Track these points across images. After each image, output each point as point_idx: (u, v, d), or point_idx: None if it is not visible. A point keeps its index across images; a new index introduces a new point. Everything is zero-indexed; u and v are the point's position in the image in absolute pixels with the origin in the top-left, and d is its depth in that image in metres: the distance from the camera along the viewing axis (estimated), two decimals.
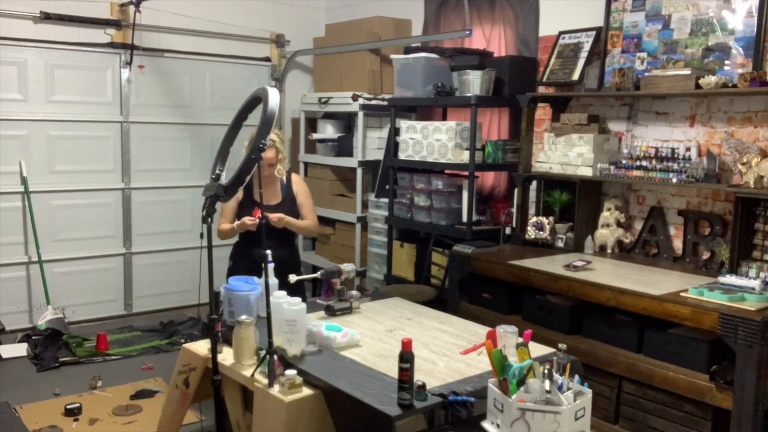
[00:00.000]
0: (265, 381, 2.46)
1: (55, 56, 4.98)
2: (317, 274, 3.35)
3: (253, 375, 2.54)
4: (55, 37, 4.95)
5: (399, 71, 4.81)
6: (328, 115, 5.71)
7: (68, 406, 3.66)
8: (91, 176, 5.23)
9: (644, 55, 3.80)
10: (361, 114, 5.20)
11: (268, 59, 6.00)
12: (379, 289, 4.42)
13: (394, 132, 4.87)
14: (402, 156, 4.68)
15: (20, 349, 4.59)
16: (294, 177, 3.86)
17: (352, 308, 3.23)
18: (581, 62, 4.03)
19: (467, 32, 4.66)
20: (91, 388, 4.03)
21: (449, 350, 2.74)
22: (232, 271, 3.66)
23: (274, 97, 2.47)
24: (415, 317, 3.21)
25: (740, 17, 3.42)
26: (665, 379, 2.93)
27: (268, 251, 2.91)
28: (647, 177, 3.57)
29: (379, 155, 5.21)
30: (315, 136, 5.66)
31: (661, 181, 3.51)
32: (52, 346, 4.61)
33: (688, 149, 3.58)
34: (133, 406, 3.79)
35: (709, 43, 3.53)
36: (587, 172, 3.82)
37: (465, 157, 4.22)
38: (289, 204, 3.75)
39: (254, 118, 2.59)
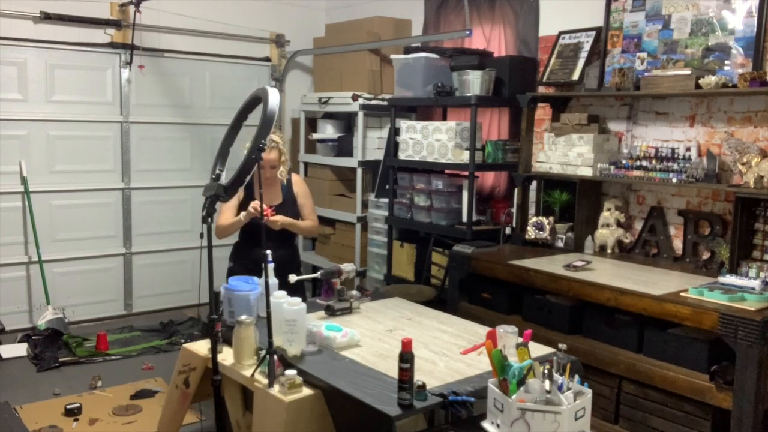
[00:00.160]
0: (265, 381, 2.46)
1: (55, 56, 4.98)
2: (317, 274, 3.35)
3: (253, 375, 2.54)
4: (55, 37, 4.95)
5: (399, 71, 4.81)
6: (328, 115, 5.71)
7: (68, 406, 3.66)
8: (91, 176, 5.23)
9: (644, 55, 3.80)
10: (361, 114, 5.20)
11: (268, 59, 6.00)
12: (379, 289, 4.42)
13: (394, 132, 4.87)
14: (402, 156, 4.68)
15: (20, 349, 4.59)
16: (294, 177, 3.85)
17: (352, 308, 3.23)
18: (581, 62, 4.03)
19: (467, 32, 4.66)
20: (91, 388, 4.03)
21: (449, 350, 2.74)
22: (232, 271, 3.66)
23: (274, 97, 2.47)
24: (415, 317, 3.21)
25: (740, 17, 3.42)
26: (665, 379, 2.93)
27: (268, 251, 2.91)
28: (647, 177, 3.57)
29: (379, 155, 5.21)
30: (315, 136, 5.67)
31: (661, 181, 3.51)
32: (52, 346, 4.61)
33: (688, 149, 3.58)
34: (133, 406, 3.79)
35: (709, 43, 3.53)
36: (587, 172, 3.82)
37: (465, 157, 4.22)
38: (290, 204, 3.75)
39: (254, 118, 2.58)
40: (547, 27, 4.36)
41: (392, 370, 2.34)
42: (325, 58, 5.76)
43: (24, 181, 4.88)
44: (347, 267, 3.37)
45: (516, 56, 4.45)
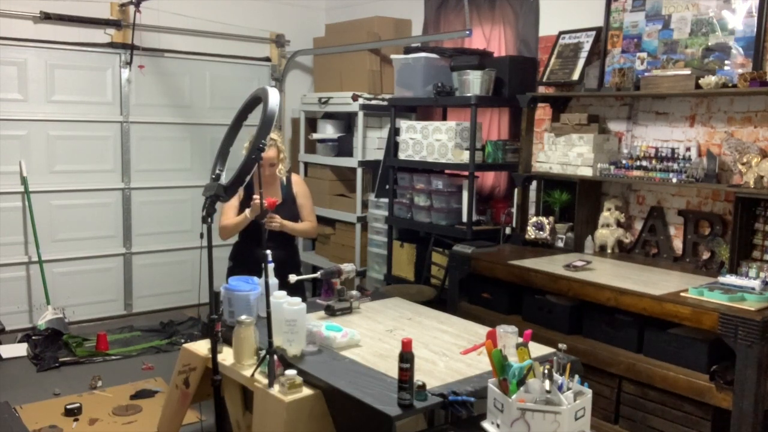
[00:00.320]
0: (265, 381, 2.46)
1: (55, 56, 4.98)
2: (317, 274, 3.35)
3: (253, 375, 2.54)
4: (55, 37, 4.95)
5: (399, 71, 4.81)
6: (328, 115, 5.70)
7: (68, 406, 3.66)
8: (91, 176, 5.23)
9: (644, 55, 3.80)
10: (361, 114, 5.20)
11: (268, 59, 6.00)
12: (379, 289, 4.42)
13: (394, 132, 4.87)
14: (402, 156, 4.68)
15: (20, 349, 4.59)
16: (294, 177, 3.86)
17: (352, 308, 3.23)
18: (581, 62, 4.03)
19: (467, 32, 4.66)
20: (91, 388, 4.03)
21: (449, 350, 2.74)
22: (232, 271, 3.66)
23: (274, 97, 2.47)
24: (415, 317, 3.21)
25: (740, 17, 3.42)
26: (665, 379, 2.93)
27: (268, 251, 2.91)
28: (647, 177, 3.57)
29: (379, 155, 5.21)
30: (315, 136, 5.67)
31: (661, 181, 3.51)
32: (52, 346, 4.61)
33: (688, 149, 3.58)
34: (133, 406, 3.79)
35: (709, 43, 3.53)
36: (587, 172, 3.82)
37: (465, 157, 4.22)
38: (289, 204, 3.75)
39: (254, 118, 2.58)
40: (547, 27, 4.36)
41: (392, 370, 2.34)
42: (325, 58, 5.76)
43: (24, 181, 4.88)
44: (347, 267, 3.37)
45: (516, 56, 4.45)
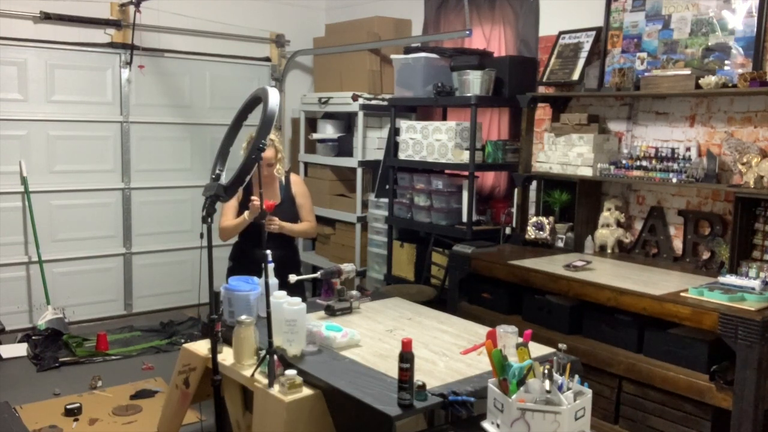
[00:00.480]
0: (265, 381, 2.46)
1: (55, 56, 4.98)
2: (317, 274, 3.35)
3: (253, 375, 2.54)
4: (55, 37, 4.95)
5: (399, 71, 4.81)
6: (328, 115, 5.70)
7: (68, 406, 3.66)
8: (91, 176, 5.23)
9: (644, 55, 3.80)
10: (361, 114, 5.20)
11: (268, 59, 6.00)
12: (379, 289, 4.42)
13: (394, 132, 4.87)
14: (402, 156, 4.68)
15: (20, 349, 4.59)
16: (293, 178, 3.86)
17: (352, 308, 3.23)
18: (581, 62, 4.03)
19: (467, 32, 4.66)
20: (91, 388, 4.03)
21: (449, 350, 2.74)
22: (232, 271, 3.66)
23: (274, 97, 2.47)
24: (415, 317, 3.21)
25: (740, 17, 3.42)
26: (665, 379, 2.93)
27: (268, 251, 2.91)
28: (647, 177, 3.57)
29: (379, 155, 5.21)
30: (315, 136, 5.66)
31: (661, 181, 3.51)
32: (52, 346, 4.61)
33: (688, 149, 3.58)
34: (133, 406, 3.79)
35: (709, 43, 3.53)
36: (587, 172, 3.82)
37: (465, 157, 4.22)
38: (289, 204, 3.75)
39: (254, 118, 2.58)
40: (547, 27, 4.36)
41: (392, 370, 2.34)
42: (325, 58, 5.76)
43: (24, 181, 4.88)
44: (347, 267, 3.37)
45: (516, 56, 4.45)
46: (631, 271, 3.45)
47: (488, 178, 4.84)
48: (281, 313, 2.59)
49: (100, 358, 4.51)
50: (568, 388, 2.02)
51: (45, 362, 4.37)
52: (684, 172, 3.42)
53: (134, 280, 5.48)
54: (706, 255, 3.54)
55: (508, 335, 2.52)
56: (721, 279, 3.01)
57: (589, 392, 2.04)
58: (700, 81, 3.34)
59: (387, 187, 4.90)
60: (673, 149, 3.60)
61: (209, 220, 2.42)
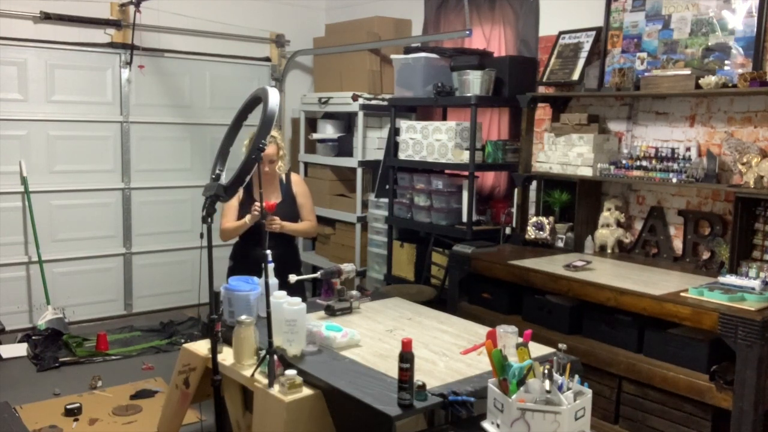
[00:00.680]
0: (265, 381, 2.46)
1: (55, 56, 4.98)
2: (317, 274, 3.35)
3: (253, 375, 2.54)
4: (55, 37, 4.95)
5: (399, 71, 4.81)
6: (328, 115, 5.70)
7: (68, 406, 3.66)
8: (91, 176, 5.23)
9: (644, 55, 3.80)
10: (361, 114, 5.20)
11: (268, 59, 6.00)
12: (379, 289, 4.42)
13: (394, 132, 4.87)
14: (402, 156, 4.68)
15: (20, 349, 4.59)
16: (294, 177, 3.86)
17: (352, 308, 3.23)
18: (581, 62, 4.03)
19: (467, 32, 4.66)
20: (91, 388, 4.03)
21: (449, 350, 2.74)
22: (232, 271, 3.66)
23: (274, 97, 2.46)
24: (415, 317, 3.21)
25: (740, 17, 3.42)
26: (665, 379, 2.93)
27: (268, 251, 2.91)
28: (647, 177, 3.57)
29: (379, 155, 5.21)
30: (315, 136, 5.67)
31: (661, 181, 3.51)
32: (52, 346, 4.61)
33: (688, 149, 3.58)
34: (133, 406, 3.79)
35: (709, 43, 3.53)
36: (587, 172, 3.82)
37: (465, 157, 4.22)
38: (289, 204, 3.75)
39: (254, 118, 2.58)
40: (547, 27, 4.36)
41: (392, 370, 2.34)
42: (325, 58, 5.76)
43: (24, 181, 4.88)
44: (347, 267, 3.37)
45: (516, 56, 4.45)
46: (631, 271, 3.45)
47: (488, 178, 4.84)
48: (281, 313, 2.59)
49: (100, 358, 4.51)
50: (568, 388, 2.02)
51: (45, 362, 4.37)
52: (684, 172, 3.42)
53: (134, 280, 5.48)
54: (706, 255, 3.54)
55: (508, 335, 2.52)
56: (721, 279, 3.01)
57: (589, 392, 2.04)
58: (700, 81, 3.34)
59: (387, 187, 4.90)
60: (673, 149, 3.60)
61: (209, 220, 2.42)
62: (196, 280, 5.54)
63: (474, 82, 4.24)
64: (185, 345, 3.00)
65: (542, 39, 4.39)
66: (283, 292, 2.75)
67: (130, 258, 5.45)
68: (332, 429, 2.42)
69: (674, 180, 3.46)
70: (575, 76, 4.03)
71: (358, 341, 2.77)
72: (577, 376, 2.07)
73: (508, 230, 4.28)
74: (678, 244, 3.71)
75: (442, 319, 3.21)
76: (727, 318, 2.69)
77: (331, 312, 3.14)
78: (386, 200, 4.91)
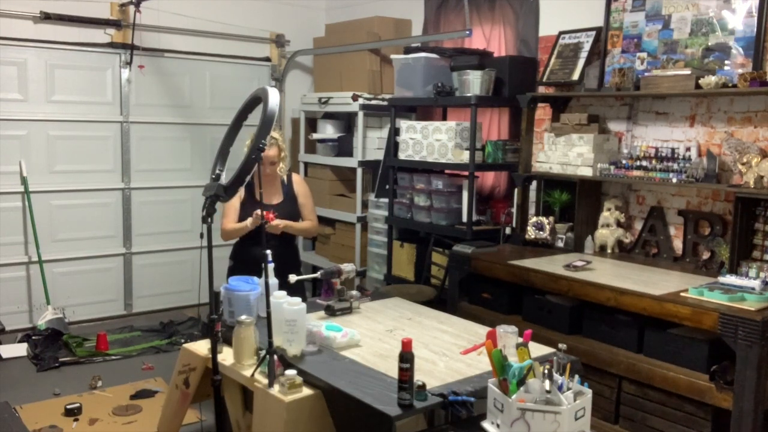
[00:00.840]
0: (265, 381, 2.46)
1: (55, 56, 4.98)
2: (317, 274, 3.35)
3: (253, 375, 2.54)
4: (55, 37, 4.95)
5: (399, 71, 4.81)
6: (328, 115, 5.70)
7: (68, 406, 3.66)
8: (91, 176, 5.23)
9: (644, 55, 3.80)
10: (361, 114, 5.20)
11: (268, 59, 6.00)
12: (379, 289, 4.42)
13: (394, 132, 4.87)
14: (402, 156, 4.68)
15: (20, 349, 4.59)
16: (295, 177, 3.86)
17: (352, 308, 3.23)
18: (581, 62, 4.03)
19: (467, 32, 4.66)
20: (91, 388, 4.03)
21: (449, 350, 2.74)
22: (232, 271, 3.66)
23: (274, 97, 2.47)
24: (415, 317, 3.21)
25: (740, 17, 3.42)
26: (665, 379, 2.93)
27: (268, 251, 2.91)
28: (647, 177, 3.57)
29: (379, 155, 5.21)
30: (315, 136, 5.67)
31: (661, 181, 3.51)
32: (52, 346, 4.61)
33: (688, 149, 3.58)
34: (133, 406, 3.79)
35: (709, 43, 3.53)
36: (587, 172, 3.82)
37: (465, 157, 4.22)
38: (290, 203, 3.75)
39: (254, 118, 2.58)
40: (547, 27, 4.36)
41: (392, 370, 2.34)
42: (325, 58, 5.76)
43: (24, 181, 4.88)
44: (347, 267, 3.37)
45: (516, 56, 4.45)
46: (631, 271, 3.45)
47: (488, 178, 4.84)
48: (281, 313, 2.59)
49: (100, 358, 4.51)
50: (568, 388, 2.02)
51: (45, 362, 4.37)
52: (684, 172, 3.42)
53: (134, 280, 5.48)
54: (706, 255, 3.54)
55: (508, 335, 2.52)
56: (721, 279, 3.01)
57: (589, 392, 2.04)
58: (700, 81, 3.34)
59: (387, 187, 4.90)
60: (673, 149, 3.60)
61: (209, 220, 2.42)
62: (196, 280, 5.54)
63: (474, 82, 4.24)
64: (185, 345, 3.00)
65: (542, 39, 4.39)
66: (283, 292, 2.75)
67: (130, 258, 5.45)
68: (332, 429, 2.42)
69: (674, 180, 3.46)
70: (575, 76, 4.03)
71: (358, 341, 2.77)
72: (577, 376, 2.07)
73: (508, 230, 4.28)
74: (678, 244, 3.71)
75: (442, 319, 3.21)
76: (727, 318, 2.69)
77: (331, 312, 3.14)
78: (386, 200, 4.91)
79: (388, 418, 2.12)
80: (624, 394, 3.13)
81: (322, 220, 5.18)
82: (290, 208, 3.74)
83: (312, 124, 5.87)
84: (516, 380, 2.02)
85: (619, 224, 3.87)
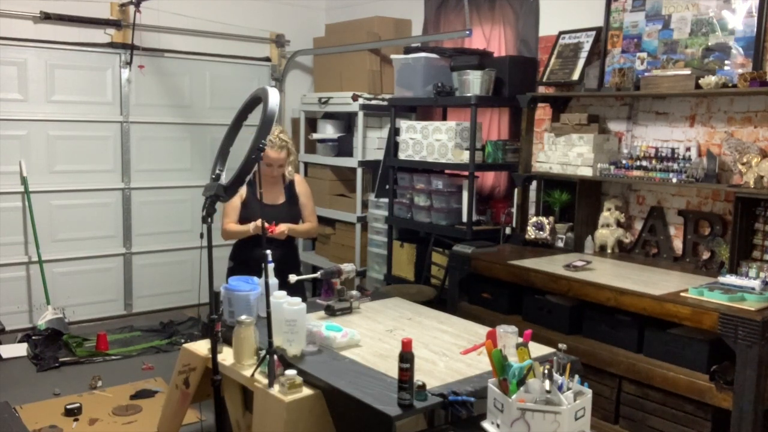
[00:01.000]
0: (265, 381, 2.46)
1: (55, 56, 4.98)
2: (317, 274, 3.35)
3: (253, 375, 2.54)
4: (55, 37, 4.95)
5: (399, 71, 4.81)
6: (328, 115, 5.71)
7: (68, 406, 3.66)
8: (91, 176, 5.23)
9: (644, 55, 3.80)
10: (361, 114, 5.20)
11: (268, 59, 6.00)
12: (379, 289, 4.42)
13: (394, 132, 4.87)
14: (402, 156, 4.68)
15: (20, 349, 4.59)
16: (297, 178, 3.85)
17: (352, 308, 3.23)
18: (581, 62, 4.03)
19: (467, 32, 4.66)
20: (91, 388, 4.03)
21: (449, 350, 2.74)
22: (232, 272, 3.66)
23: (274, 97, 2.46)
24: (415, 317, 3.21)
25: (740, 17, 3.42)
26: (665, 379, 2.93)
27: (268, 251, 2.91)
28: (647, 177, 3.57)
29: (379, 155, 5.21)
30: (315, 136, 5.67)
31: (661, 181, 3.51)
32: (52, 346, 4.61)
33: (688, 149, 3.58)
34: (133, 406, 3.79)
35: (709, 43, 3.53)
36: (587, 172, 3.82)
37: (465, 157, 4.22)
38: (292, 204, 3.75)
39: (254, 118, 2.58)
40: (547, 27, 4.36)
41: (392, 370, 2.34)
42: (325, 58, 5.76)
43: (24, 181, 4.88)
44: (347, 267, 3.37)
45: (516, 56, 4.45)
46: (631, 271, 3.45)
47: (488, 178, 4.84)
48: (281, 313, 2.59)
49: (100, 358, 4.51)
50: (568, 388, 2.02)
51: (45, 362, 4.37)
52: (684, 172, 3.42)
53: (134, 280, 5.48)
54: (706, 255, 3.54)
55: (508, 335, 2.52)
56: (721, 279, 3.01)
57: (589, 392, 2.04)
58: (700, 81, 3.34)
59: (387, 187, 4.90)
60: (673, 149, 3.60)
61: (209, 220, 2.42)
62: (196, 280, 5.54)
63: (474, 82, 4.24)
64: (185, 345, 3.00)
65: (542, 39, 4.39)
66: (283, 292, 2.75)
67: (130, 258, 5.45)
68: (332, 429, 2.42)
69: (674, 180, 3.46)
70: (575, 76, 4.03)
71: (358, 341, 2.77)
72: (577, 376, 2.07)
73: (508, 230, 4.28)
74: (678, 244, 3.71)
75: (442, 319, 3.21)
76: (727, 318, 2.69)
77: (331, 312, 3.14)
78: (386, 200, 4.91)
79: (388, 418, 2.12)
80: (624, 394, 3.13)
81: (322, 220, 5.18)
82: (292, 208, 3.74)
83: (312, 124, 5.87)
84: (516, 380, 2.02)
85: (619, 224, 3.88)
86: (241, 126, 2.69)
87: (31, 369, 4.34)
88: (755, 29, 3.35)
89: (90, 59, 5.12)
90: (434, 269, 4.57)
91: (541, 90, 4.33)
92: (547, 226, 3.94)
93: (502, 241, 4.20)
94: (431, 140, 4.45)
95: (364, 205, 5.31)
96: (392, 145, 4.87)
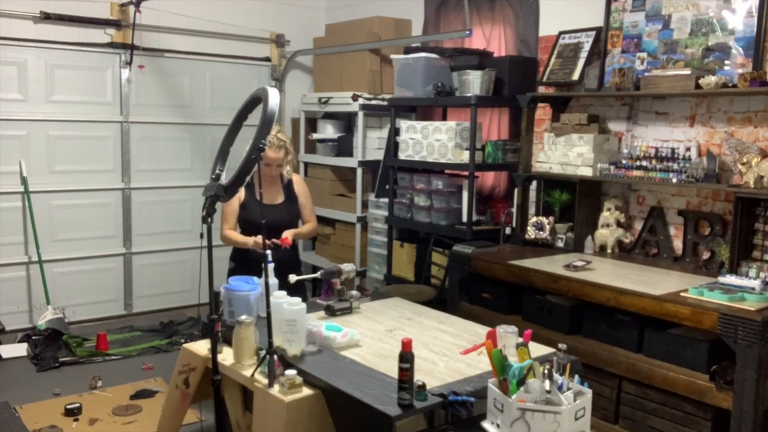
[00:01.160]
0: (265, 381, 2.46)
1: (55, 56, 4.98)
2: (317, 274, 3.35)
3: (253, 375, 2.54)
4: (55, 37, 4.95)
5: (399, 71, 4.81)
6: (328, 115, 5.71)
7: (68, 406, 3.66)
8: (91, 176, 5.23)
9: (644, 55, 3.80)
10: (361, 114, 5.20)
11: (268, 59, 6.00)
12: (379, 289, 4.42)
13: (394, 132, 4.87)
14: (402, 156, 4.68)
15: (20, 349, 4.59)
16: (295, 177, 3.85)
17: (352, 308, 3.23)
18: (581, 62, 4.03)
19: (467, 32, 4.66)
20: (91, 388, 4.03)
21: (449, 350, 2.74)
22: (232, 272, 3.66)
23: (274, 97, 2.46)
24: (415, 317, 3.21)
25: (740, 17, 3.42)
26: (665, 379, 2.93)
27: (268, 251, 2.91)
28: (647, 177, 3.57)
29: (379, 155, 5.21)
30: (315, 136, 5.67)
31: (661, 181, 3.51)
32: (52, 346, 4.61)
33: (688, 149, 3.58)
34: (133, 406, 3.79)
35: (709, 43, 3.53)
36: (587, 172, 3.82)
37: (465, 157, 4.22)
38: (291, 204, 3.75)
39: (254, 118, 2.58)
40: (547, 27, 4.36)
41: (392, 370, 2.34)
42: (325, 58, 5.76)
43: (24, 181, 4.88)
44: (347, 267, 3.37)
45: (516, 56, 4.45)
46: (631, 271, 3.45)
47: (488, 178, 4.84)
48: (281, 313, 2.59)
49: (100, 358, 4.51)
50: (568, 388, 2.02)
51: (45, 362, 4.37)
52: (684, 172, 3.42)
53: (134, 280, 5.48)
54: (706, 255, 3.54)
55: (508, 335, 2.52)
56: (721, 279, 3.01)
57: (589, 392, 2.04)
58: (700, 81, 3.34)
59: (387, 187, 4.91)
60: (673, 149, 3.60)
61: (209, 220, 2.42)
62: (196, 280, 5.54)
63: (474, 82, 4.24)
64: (185, 345, 3.00)
65: (542, 39, 4.39)
66: (283, 292, 2.75)
67: (130, 258, 5.45)
68: (332, 429, 2.42)
69: (674, 180, 3.46)
70: (575, 76, 4.03)
71: (358, 341, 2.77)
72: (577, 376, 2.07)
73: (508, 230, 4.28)
74: (678, 244, 3.71)
75: (442, 319, 3.21)
76: (727, 318, 2.69)
77: (331, 312, 3.14)
78: (386, 200, 4.91)
79: (388, 418, 2.12)
80: (624, 394, 3.13)
81: (322, 220, 5.19)
82: (291, 208, 3.74)
83: (312, 124, 5.87)
84: (516, 380, 2.02)
85: (619, 224, 3.87)
86: (241, 126, 2.69)
87: (31, 369, 4.34)
88: (755, 29, 3.35)
89: (90, 59, 5.12)
90: (434, 269, 4.57)
91: (541, 90, 4.33)
92: (547, 226, 3.94)
93: (502, 241, 4.20)
94: (431, 140, 4.45)
95: (364, 205, 5.31)
96: (392, 145, 4.87)
